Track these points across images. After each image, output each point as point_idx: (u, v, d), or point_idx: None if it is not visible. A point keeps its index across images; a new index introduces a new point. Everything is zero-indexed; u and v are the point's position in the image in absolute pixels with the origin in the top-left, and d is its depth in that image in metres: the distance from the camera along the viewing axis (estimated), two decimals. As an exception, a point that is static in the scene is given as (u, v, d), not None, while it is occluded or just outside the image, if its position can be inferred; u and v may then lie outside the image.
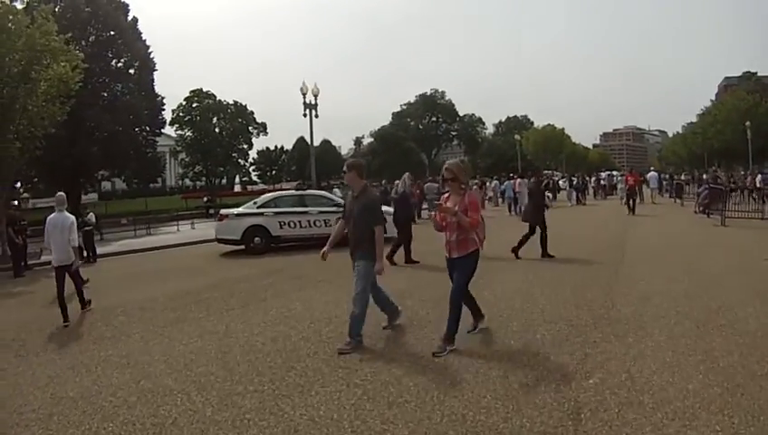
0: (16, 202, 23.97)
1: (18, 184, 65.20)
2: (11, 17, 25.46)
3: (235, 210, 21.61)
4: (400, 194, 16.24)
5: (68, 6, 50.68)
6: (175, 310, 10.75)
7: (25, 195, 74.49)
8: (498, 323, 8.25)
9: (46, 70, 25.73)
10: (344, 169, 7.87)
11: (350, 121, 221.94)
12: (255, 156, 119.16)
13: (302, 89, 31.83)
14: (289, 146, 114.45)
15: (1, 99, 24.73)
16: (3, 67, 24.70)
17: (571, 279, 11.51)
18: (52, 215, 11.03)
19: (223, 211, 22.24)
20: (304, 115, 32.20)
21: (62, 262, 10.76)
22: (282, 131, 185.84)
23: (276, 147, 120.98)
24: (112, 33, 53.66)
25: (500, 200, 39.00)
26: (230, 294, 12.02)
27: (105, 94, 53.08)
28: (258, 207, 20.53)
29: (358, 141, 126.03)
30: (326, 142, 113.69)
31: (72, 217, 11.10)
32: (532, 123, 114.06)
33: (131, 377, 6.80)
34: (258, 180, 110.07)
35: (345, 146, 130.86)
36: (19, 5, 29.75)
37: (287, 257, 17.79)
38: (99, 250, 22.45)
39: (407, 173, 16.94)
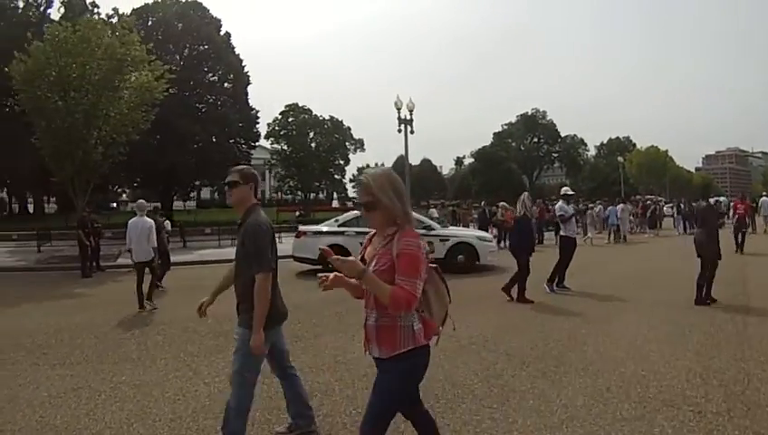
0: (89, 208, 25.05)
1: (118, 188, 67.56)
2: (92, 29, 26.87)
3: (314, 227, 20.73)
4: (520, 217, 13.62)
5: (160, 21, 54.08)
6: (217, 336, 9.79)
7: (124, 197, 76.55)
8: (603, 399, 6.38)
9: (129, 79, 27.24)
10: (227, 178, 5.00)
11: (452, 143, 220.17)
12: (355, 173, 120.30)
13: (396, 103, 30.51)
14: (390, 164, 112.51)
15: (83, 106, 25.84)
16: (84, 75, 26.00)
17: (693, 334, 9.44)
18: (133, 219, 13.23)
19: (301, 227, 21.33)
20: (399, 131, 30.97)
21: (142, 259, 12.97)
22: (382, 150, 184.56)
23: (377, 164, 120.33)
24: (205, 47, 56.22)
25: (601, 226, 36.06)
26: (287, 322, 10.46)
27: (199, 106, 55.52)
28: (339, 226, 19.43)
29: (459, 161, 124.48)
30: (426, 162, 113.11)
31: (152, 222, 13.24)
32: (634, 145, 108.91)
33: (128, 416, 6.10)
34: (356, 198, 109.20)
35: (446, 166, 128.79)
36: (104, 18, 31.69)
37: None
38: (176, 258, 21.40)
39: (525, 193, 14.26)
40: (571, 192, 15.71)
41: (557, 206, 15.49)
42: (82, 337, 10.02)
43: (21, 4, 54.77)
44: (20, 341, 9.78)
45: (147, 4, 55.74)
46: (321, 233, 19.46)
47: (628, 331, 9.71)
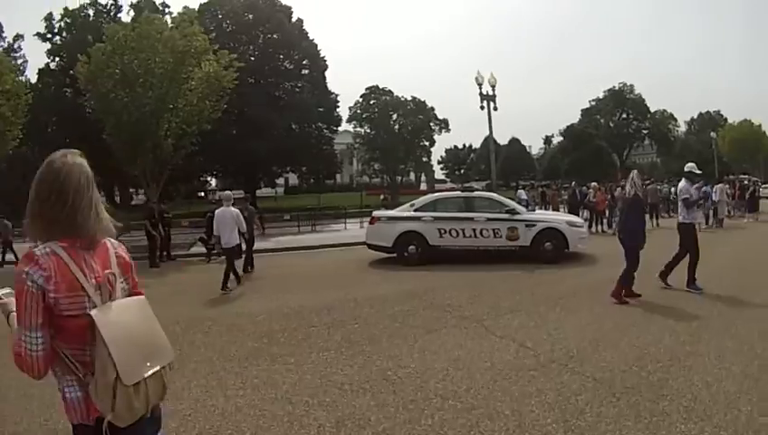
0: (155, 200, 25.59)
1: (204, 177, 68.42)
2: (150, 24, 27.62)
3: (389, 212, 19.25)
4: (631, 198, 11.04)
5: (228, 13, 55.17)
6: (262, 337, 8.88)
7: (213, 186, 77.50)
8: None
9: (193, 70, 27.52)
10: None
11: (541, 121, 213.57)
12: (443, 154, 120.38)
13: (477, 79, 28.47)
14: (477, 145, 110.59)
15: (148, 100, 26.42)
16: (149, 70, 26.57)
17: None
18: (220, 209, 14.38)
19: (375, 213, 19.46)
20: (482, 108, 28.77)
21: (229, 244, 13.95)
22: (469, 130, 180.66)
23: (464, 145, 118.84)
24: (278, 35, 56.43)
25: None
26: (341, 322, 9.67)
27: (277, 94, 55.66)
28: (415, 210, 17.69)
29: (547, 140, 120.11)
30: (515, 141, 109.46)
31: (237, 211, 14.37)
32: (726, 120, 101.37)
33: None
34: (447, 179, 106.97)
35: (536, 146, 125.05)
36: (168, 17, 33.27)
37: (441, 274, 14.78)
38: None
39: (634, 171, 11.66)
40: (698, 170, 12.03)
41: (679, 186, 12.52)
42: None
43: (91, 12, 57.58)
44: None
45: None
46: (395, 219, 17.89)
47: (743, 351, 7.19)
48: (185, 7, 34.95)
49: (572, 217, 19.64)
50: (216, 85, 28.81)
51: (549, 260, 15.85)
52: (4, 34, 69.52)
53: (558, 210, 36.68)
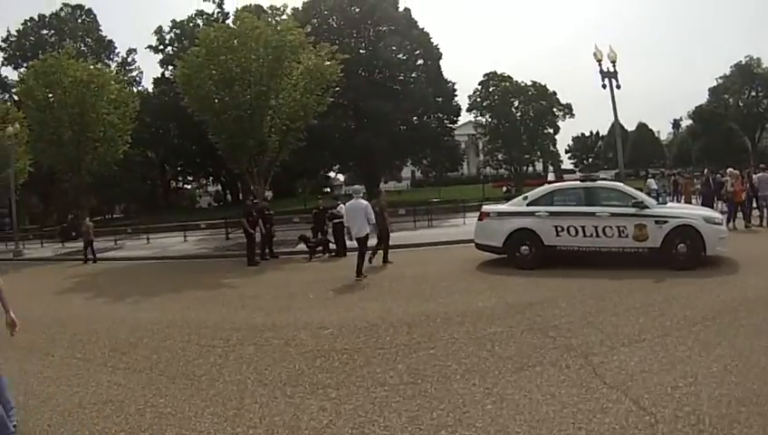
0: (253, 198, 25.09)
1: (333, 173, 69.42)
2: (242, 23, 27.55)
3: (499, 207, 17.13)
4: None
5: (334, 8, 55.06)
6: (316, 358, 7.78)
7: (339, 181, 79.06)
8: None
9: (291, 64, 27.36)
10: None
11: (668, 104, 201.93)
12: (570, 143, 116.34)
13: (595, 54, 25.70)
14: (604, 132, 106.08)
15: (246, 97, 26.41)
16: (245, 68, 26.55)
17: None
18: (350, 201, 15.69)
19: (485, 207, 17.35)
20: (603, 86, 25.64)
21: (360, 234, 14.98)
22: (595, 116, 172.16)
23: (591, 132, 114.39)
24: (386, 26, 55.89)
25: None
26: (416, 346, 8.08)
27: (390, 85, 54.89)
28: (528, 204, 15.52)
29: (676, 124, 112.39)
30: (642, 126, 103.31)
31: (366, 202, 15.34)
32: None
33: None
34: (575, 168, 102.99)
35: (664, 131, 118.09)
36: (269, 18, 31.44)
37: (555, 281, 12.70)
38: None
39: None
40: None
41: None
42: (170, 338, 9.60)
43: (200, 22, 59.90)
44: (110, 336, 10.06)
45: None
46: (506, 214, 15.86)
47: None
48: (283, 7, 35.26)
49: (709, 212, 16.05)
50: (320, 78, 28.27)
51: (682, 266, 13.07)
52: (117, 50, 73.07)
53: (690, 202, 33.54)
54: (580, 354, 7.14)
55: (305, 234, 21.63)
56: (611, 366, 6.63)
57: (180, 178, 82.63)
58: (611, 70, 25.68)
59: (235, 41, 26.98)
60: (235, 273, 18.36)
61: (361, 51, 52.93)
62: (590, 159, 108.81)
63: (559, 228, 14.56)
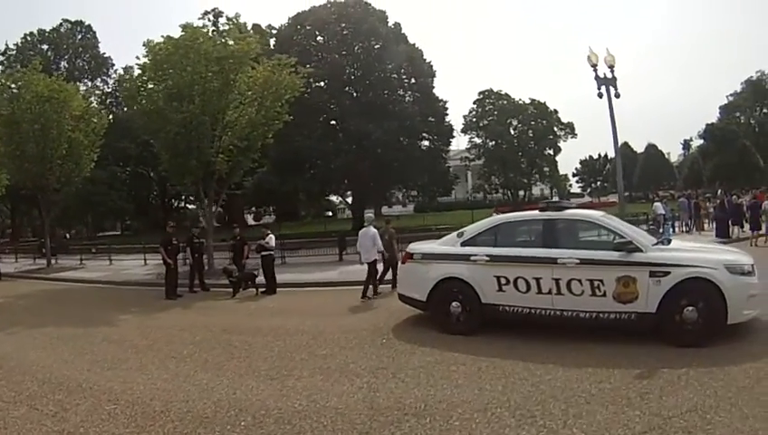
0: (173, 223, 22.72)
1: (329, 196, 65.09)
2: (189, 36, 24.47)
3: (426, 247, 11.80)
4: None
5: (317, 23, 51.04)
6: None
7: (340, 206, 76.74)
8: None
9: (239, 78, 24.64)
10: None
11: (678, 124, 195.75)
12: (578, 166, 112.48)
13: (589, 58, 21.54)
14: (611, 153, 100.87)
15: (185, 114, 23.48)
16: (187, 82, 23.74)
17: None
18: (362, 228, 16.19)
19: (410, 247, 11.90)
20: (599, 95, 21.47)
21: (368, 260, 15.27)
22: (603, 138, 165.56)
23: (600, 155, 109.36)
24: (373, 42, 51.26)
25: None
26: None
27: (379, 104, 49.54)
28: (463, 244, 10.66)
29: (686, 145, 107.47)
30: (651, 147, 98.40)
31: (375, 230, 15.79)
32: None
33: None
34: (583, 193, 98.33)
35: (674, 153, 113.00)
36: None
37: (489, 364, 8.31)
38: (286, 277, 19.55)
39: None
40: None
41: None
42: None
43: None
44: None
45: (300, 13, 52.61)
46: (433, 257, 10.92)
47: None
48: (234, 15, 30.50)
49: (734, 256, 9.73)
50: (275, 93, 24.88)
51: (691, 341, 8.41)
52: (115, 66, 71.75)
53: (703, 228, 28.68)
54: None
55: (229, 266, 18.79)
56: None
57: (183, 198, 77.87)
58: (609, 76, 21.52)
59: (180, 52, 23.87)
60: (143, 307, 16.28)
61: (349, 69, 49.01)
62: (599, 182, 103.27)
63: (502, 280, 9.57)
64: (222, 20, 27.27)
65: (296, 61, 26.28)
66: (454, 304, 10.00)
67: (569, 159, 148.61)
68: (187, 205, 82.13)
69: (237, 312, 15.01)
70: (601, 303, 8.96)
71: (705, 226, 28.88)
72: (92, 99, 31.85)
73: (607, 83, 21.40)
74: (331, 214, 78.14)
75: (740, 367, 7.29)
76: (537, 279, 9.38)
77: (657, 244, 9.68)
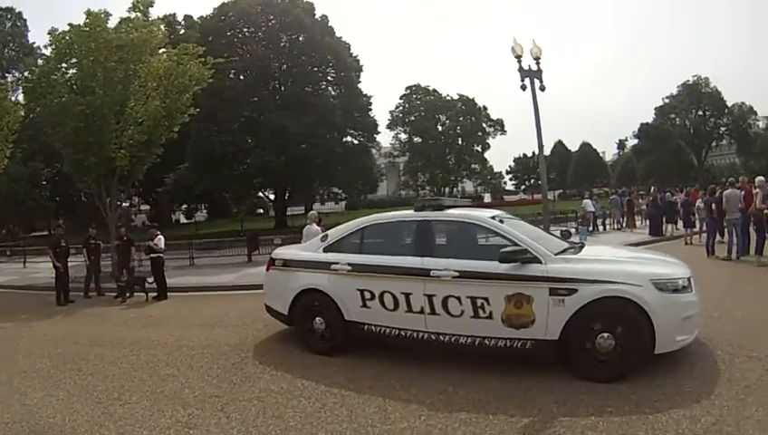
0: (62, 223, 24.45)
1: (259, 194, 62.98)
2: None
3: (289, 251, 9.89)
4: None
5: (240, 15, 48.44)
6: None
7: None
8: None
9: (139, 67, 22.87)
10: None
11: (615, 126, 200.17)
12: (512, 164, 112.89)
13: (513, 49, 20.03)
14: (547, 151, 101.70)
15: (80, 106, 21.87)
16: (89, 74, 22.39)
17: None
18: (306, 226, 14.55)
19: (275, 252, 10.01)
20: (522, 87, 20.07)
21: None
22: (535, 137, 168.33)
23: (534, 153, 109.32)
24: (299, 35, 49.25)
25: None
26: None
27: (300, 99, 47.24)
28: (326, 249, 8.81)
29: (621, 144, 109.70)
30: (586, 145, 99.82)
31: (318, 229, 13.72)
32: None
33: None
34: (517, 190, 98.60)
35: (609, 153, 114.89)
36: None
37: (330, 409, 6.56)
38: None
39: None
40: None
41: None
42: None
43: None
44: None
45: (225, 3, 49.89)
46: (295, 264, 9.04)
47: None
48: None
49: (665, 267, 7.55)
50: (178, 84, 23.17)
51: (606, 376, 6.52)
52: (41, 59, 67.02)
53: (635, 225, 27.79)
54: None
55: (117, 271, 17.73)
56: None
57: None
58: (534, 68, 20.21)
59: (82, 41, 22.17)
60: (31, 314, 15.05)
61: (276, 62, 46.71)
62: (532, 180, 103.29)
63: (366, 294, 7.68)
64: (127, 6, 24.92)
65: (204, 50, 24.68)
66: (317, 319, 8.24)
67: (505, 156, 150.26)
68: (122, 203, 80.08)
69: (114, 321, 13.59)
70: (487, 326, 7.02)
71: (638, 223, 28.34)
72: (9, 92, 28.71)
73: (531, 76, 20.06)
74: (262, 211, 75.89)
75: (669, 415, 5.50)
76: (406, 295, 7.49)
77: (565, 251, 7.67)
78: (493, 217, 7.83)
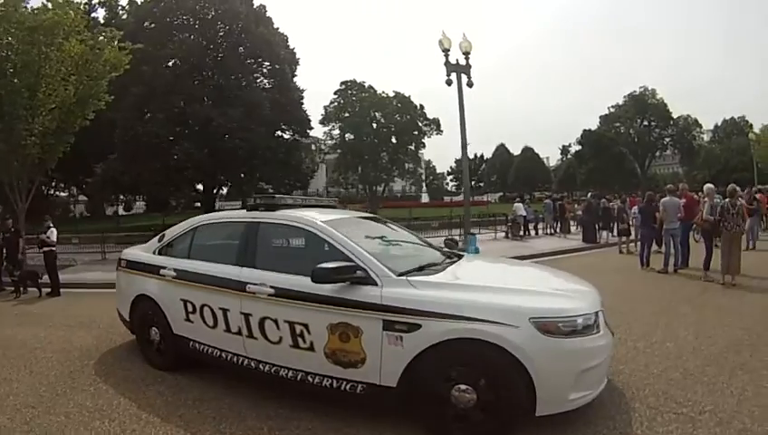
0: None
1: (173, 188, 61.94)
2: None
3: (134, 251, 8.88)
4: None
5: (180, 2, 45.98)
6: None
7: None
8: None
9: (51, 51, 21.49)
10: None
11: (560, 133, 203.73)
12: (453, 165, 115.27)
13: (440, 42, 19.89)
14: (489, 153, 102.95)
15: None
16: (4, 57, 21.34)
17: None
18: None
19: (125, 252, 9.01)
20: (448, 83, 20.24)
21: None
22: (482, 139, 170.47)
23: (476, 155, 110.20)
24: (231, 23, 47.10)
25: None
26: None
27: (230, 91, 46.23)
28: (161, 251, 8.07)
29: (564, 150, 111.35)
30: (528, 149, 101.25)
31: None
32: (751, 126, 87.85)
33: None
34: (458, 191, 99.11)
35: (553, 158, 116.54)
36: None
37: None
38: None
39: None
40: None
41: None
42: None
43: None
44: None
45: None
46: (135, 266, 8.25)
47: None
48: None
49: (561, 299, 5.47)
50: (91, 69, 22.24)
51: None
52: None
53: (569, 231, 28.02)
54: None
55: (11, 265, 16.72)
56: None
57: (54, 186, 71.47)
58: (462, 63, 20.25)
59: None
60: None
61: (210, 51, 45.19)
62: (473, 182, 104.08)
63: (189, 306, 6.93)
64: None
65: (122, 35, 23.90)
66: (153, 330, 7.58)
67: (448, 157, 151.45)
68: (57, 192, 76.95)
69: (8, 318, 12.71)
70: (309, 360, 5.71)
71: (572, 229, 28.36)
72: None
73: (459, 71, 20.04)
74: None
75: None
76: (224, 311, 6.43)
77: (422, 269, 5.91)
78: (330, 221, 6.37)
